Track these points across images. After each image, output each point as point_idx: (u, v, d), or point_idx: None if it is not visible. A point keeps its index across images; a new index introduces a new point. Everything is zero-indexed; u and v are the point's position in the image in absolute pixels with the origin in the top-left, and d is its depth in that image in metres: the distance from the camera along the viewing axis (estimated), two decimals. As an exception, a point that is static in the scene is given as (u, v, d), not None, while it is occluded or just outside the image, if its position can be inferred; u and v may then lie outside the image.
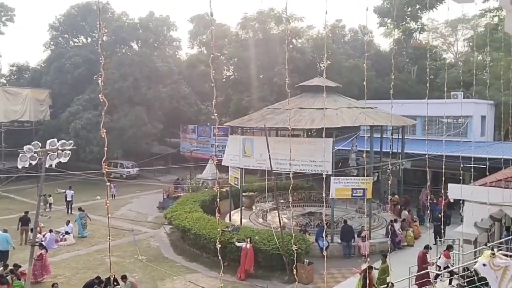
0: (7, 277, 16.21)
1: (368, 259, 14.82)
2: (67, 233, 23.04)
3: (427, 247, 15.52)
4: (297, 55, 39.25)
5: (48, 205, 29.45)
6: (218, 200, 5.91)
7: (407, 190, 27.64)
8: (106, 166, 4.14)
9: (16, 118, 42.40)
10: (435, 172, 27.74)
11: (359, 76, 36.99)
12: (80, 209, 24.97)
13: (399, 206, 24.81)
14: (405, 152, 24.89)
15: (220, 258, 5.79)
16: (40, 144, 13.77)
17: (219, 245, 5.25)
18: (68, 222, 23.69)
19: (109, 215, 24.78)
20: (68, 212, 29.00)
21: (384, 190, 25.84)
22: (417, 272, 14.24)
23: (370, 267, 12.79)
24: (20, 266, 17.14)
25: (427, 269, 14.37)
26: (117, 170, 41.07)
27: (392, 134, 25.49)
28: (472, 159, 18.49)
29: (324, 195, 18.76)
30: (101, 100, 4.00)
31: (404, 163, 24.33)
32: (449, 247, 15.54)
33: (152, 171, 42.74)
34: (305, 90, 24.77)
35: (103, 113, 4.13)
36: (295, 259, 7.84)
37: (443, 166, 10.76)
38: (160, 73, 43.44)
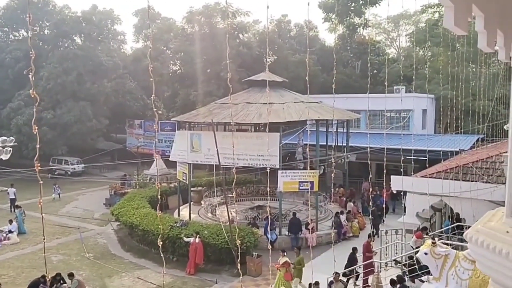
0: None
1: (285, 253, 15.29)
2: (10, 231, 22.12)
3: (370, 236, 16.20)
4: (244, 50, 39.44)
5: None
6: (159, 196, 5.92)
7: (352, 183, 28.55)
8: (39, 165, 4.03)
9: (-45, 114, 39.71)
10: (379, 164, 28.95)
11: (305, 71, 37.33)
12: (17, 206, 24.32)
13: (344, 198, 25.61)
14: (349, 146, 25.68)
15: (162, 254, 5.78)
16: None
17: (161, 242, 5.26)
18: (11, 221, 22.74)
19: (51, 213, 23.81)
20: (11, 211, 27.69)
21: (333, 183, 26.66)
22: (363, 261, 14.78)
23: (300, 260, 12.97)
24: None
25: (371, 258, 14.95)
26: (62, 166, 39.55)
27: (337, 128, 26.26)
28: (413, 151, 19.41)
29: (268, 189, 18.62)
30: (32, 96, 3.90)
31: (349, 156, 25.10)
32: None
33: (98, 167, 41.55)
34: (252, 85, 24.97)
35: (34, 109, 4.02)
36: (239, 253, 7.90)
37: (385, 159, 11.19)
38: (104, 67, 42.20)
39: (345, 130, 25.75)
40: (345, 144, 25.51)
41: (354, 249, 15.66)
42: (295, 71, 38.51)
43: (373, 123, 31.55)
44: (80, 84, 40.17)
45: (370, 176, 13.45)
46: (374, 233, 20.05)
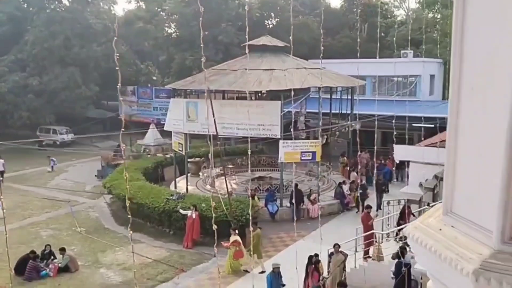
0: None
1: (236, 231, 15.55)
2: (-5, 206, 22.15)
3: (368, 207, 16.35)
4: (244, 12, 38.74)
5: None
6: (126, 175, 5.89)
7: (356, 152, 28.51)
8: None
9: None
10: (385, 133, 28.97)
11: (308, 35, 37.15)
12: None
13: (348, 168, 25.74)
14: (354, 113, 25.61)
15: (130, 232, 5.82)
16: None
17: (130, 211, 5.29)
18: (-5, 195, 22.80)
19: (40, 186, 23.82)
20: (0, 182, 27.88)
21: (341, 153, 26.78)
22: (364, 233, 14.98)
23: (317, 261, 13.11)
24: None
25: (372, 228, 15.15)
26: (50, 136, 39.49)
27: (341, 95, 26.12)
28: (423, 119, 19.36)
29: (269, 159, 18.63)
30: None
31: (353, 124, 25.06)
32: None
33: (89, 137, 41.51)
34: (252, 50, 24.59)
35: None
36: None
37: (394, 127, 11.13)
38: (94, 30, 41.55)
39: (349, 97, 25.61)
40: (349, 112, 25.43)
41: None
42: (297, 34, 37.85)
43: (379, 89, 31.34)
44: (68, 49, 39.63)
45: (375, 147, 13.35)
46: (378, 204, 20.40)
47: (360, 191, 20.50)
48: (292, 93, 14.59)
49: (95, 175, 29.54)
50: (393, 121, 11.22)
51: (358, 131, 25.78)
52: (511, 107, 2.38)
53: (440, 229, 2.92)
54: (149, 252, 17.08)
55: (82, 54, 40.22)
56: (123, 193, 20.60)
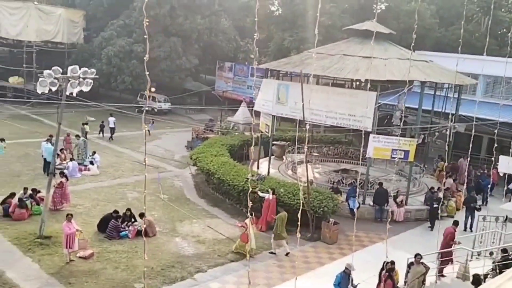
0: (27, 202, 17.26)
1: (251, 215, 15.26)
2: (92, 163, 23.87)
3: (456, 223, 15.20)
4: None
5: (84, 134, 30.28)
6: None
7: (456, 156, 26.82)
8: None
9: (49, 38, 42.95)
10: (492, 140, 26.68)
11: (418, 23, 35.05)
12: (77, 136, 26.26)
13: (444, 173, 24.20)
14: (459, 114, 23.94)
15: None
16: (61, 70, 13.92)
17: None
18: (94, 152, 24.58)
19: (133, 149, 25.10)
20: (110, 139, 30.77)
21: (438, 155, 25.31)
22: (441, 249, 14.04)
23: (391, 269, 12.50)
24: (39, 191, 18.11)
25: (451, 246, 14.16)
26: (149, 103, 41.59)
27: (446, 93, 24.48)
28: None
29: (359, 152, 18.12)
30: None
31: (456, 126, 23.45)
32: None
33: (185, 108, 43.16)
34: (353, 35, 23.79)
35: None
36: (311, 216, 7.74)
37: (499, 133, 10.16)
38: (199, 2, 42.57)
39: (456, 96, 23.90)
40: (454, 112, 23.76)
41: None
42: (407, 22, 36.06)
43: (491, 90, 28.91)
44: (173, 19, 41.07)
45: (483, 153, 12.32)
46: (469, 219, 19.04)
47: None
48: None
49: (185, 146, 30.80)
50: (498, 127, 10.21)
51: (461, 134, 24.37)
52: None
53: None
54: (223, 229, 17.45)
55: (185, 25, 41.49)
56: (207, 166, 21.24)
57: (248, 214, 14.96)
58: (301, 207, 7.13)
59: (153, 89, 39.09)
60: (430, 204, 19.37)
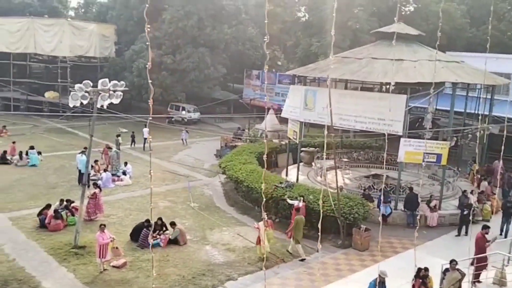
0: (62, 213, 17.68)
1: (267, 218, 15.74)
2: (124, 173, 24.31)
3: (486, 227, 14.67)
4: (379, -4, 37.15)
5: (118, 145, 30.79)
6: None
7: (491, 158, 26.02)
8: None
9: (82, 53, 44.25)
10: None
11: (449, 23, 34.40)
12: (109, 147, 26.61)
13: (479, 176, 23.51)
14: (493, 115, 23.25)
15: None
16: (91, 84, 14.25)
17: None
18: (126, 163, 25.00)
19: (163, 159, 25.31)
20: (144, 149, 31.37)
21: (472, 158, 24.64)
22: (475, 255, 13.57)
23: (425, 275, 12.16)
24: (73, 202, 18.54)
25: (485, 252, 13.66)
26: (179, 113, 42.12)
27: (479, 94, 23.85)
28: None
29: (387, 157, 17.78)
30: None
31: (490, 127, 22.77)
32: None
33: (213, 117, 43.52)
34: (381, 37, 23.46)
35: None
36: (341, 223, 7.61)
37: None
38: (226, 12, 43.06)
39: (489, 97, 23.24)
40: (487, 113, 23.09)
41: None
42: (436, 23, 35.23)
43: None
44: (200, 29, 41.62)
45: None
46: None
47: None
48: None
49: (214, 154, 31.00)
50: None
51: (495, 136, 23.63)
52: None
53: None
54: (253, 237, 17.33)
55: (213, 35, 41.95)
56: (236, 174, 21.27)
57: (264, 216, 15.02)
58: (331, 214, 7.02)
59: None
60: (461, 210, 18.77)
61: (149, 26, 4.73)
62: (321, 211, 6.90)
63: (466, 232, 17.99)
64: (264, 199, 7.06)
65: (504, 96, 28.19)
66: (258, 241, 15.48)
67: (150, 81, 5.17)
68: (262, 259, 15.02)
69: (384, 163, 20.17)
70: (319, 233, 6.90)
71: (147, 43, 5.22)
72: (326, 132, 11.63)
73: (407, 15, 36.61)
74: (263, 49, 47.62)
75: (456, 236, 18.26)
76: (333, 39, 5.86)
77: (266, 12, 4.90)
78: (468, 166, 26.35)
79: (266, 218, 15.59)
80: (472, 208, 17.86)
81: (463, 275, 12.29)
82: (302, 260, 15.76)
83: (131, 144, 32.39)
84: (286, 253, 16.10)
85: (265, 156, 6.48)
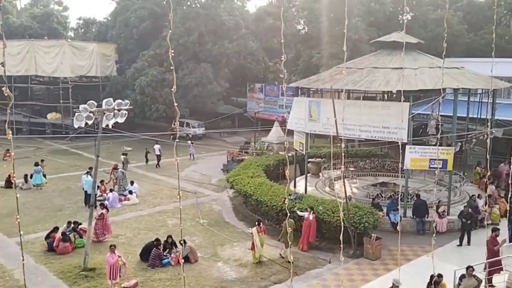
0: (70, 235, 17.59)
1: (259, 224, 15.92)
2: (130, 192, 24.22)
3: (495, 230, 14.60)
4: (376, 6, 37.34)
5: (126, 164, 30.28)
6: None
7: (496, 162, 25.97)
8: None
9: (83, 73, 44.26)
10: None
11: (447, 30, 34.51)
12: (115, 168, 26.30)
13: (485, 180, 23.45)
14: (495, 119, 23.27)
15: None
16: (95, 104, 14.29)
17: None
18: (132, 182, 24.92)
19: (171, 176, 25.23)
20: (157, 166, 31.66)
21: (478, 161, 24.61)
22: (487, 259, 13.50)
23: (439, 281, 12.10)
24: (80, 223, 18.42)
25: (498, 255, 13.59)
26: (183, 130, 42.16)
27: (481, 98, 23.92)
28: None
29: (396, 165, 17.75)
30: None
31: (493, 131, 22.79)
32: None
33: (218, 131, 43.53)
34: (381, 47, 23.65)
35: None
36: (352, 232, 7.63)
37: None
38: (226, 27, 43.19)
39: (490, 101, 23.29)
40: (490, 117, 23.12)
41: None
42: (434, 30, 35.60)
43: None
44: (202, 45, 41.79)
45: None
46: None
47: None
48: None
49: (221, 169, 30.90)
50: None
51: (498, 139, 23.65)
52: None
53: None
54: (264, 250, 17.29)
55: (214, 50, 42.12)
56: (244, 188, 21.25)
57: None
58: (341, 224, 7.01)
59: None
60: (461, 219, 18.49)
61: (173, 51, 4.77)
62: (341, 223, 6.86)
63: (469, 242, 17.86)
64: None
65: (505, 100, 28.24)
66: (253, 247, 15.89)
67: (175, 103, 5.17)
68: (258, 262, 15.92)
69: (391, 171, 20.14)
70: (341, 245, 6.77)
71: (171, 67, 5.26)
72: (333, 142, 11.70)
73: (405, 23, 36.79)
74: (265, 62, 47.95)
75: (458, 246, 17.91)
76: (345, 54, 5.95)
77: (282, 32, 4.93)
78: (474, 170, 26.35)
79: (258, 224, 16.40)
80: (474, 217, 17.76)
81: (479, 281, 12.21)
82: (288, 262, 15.48)
83: (146, 162, 32.56)
84: (299, 266, 16.02)
85: (287, 171, 6.48)
